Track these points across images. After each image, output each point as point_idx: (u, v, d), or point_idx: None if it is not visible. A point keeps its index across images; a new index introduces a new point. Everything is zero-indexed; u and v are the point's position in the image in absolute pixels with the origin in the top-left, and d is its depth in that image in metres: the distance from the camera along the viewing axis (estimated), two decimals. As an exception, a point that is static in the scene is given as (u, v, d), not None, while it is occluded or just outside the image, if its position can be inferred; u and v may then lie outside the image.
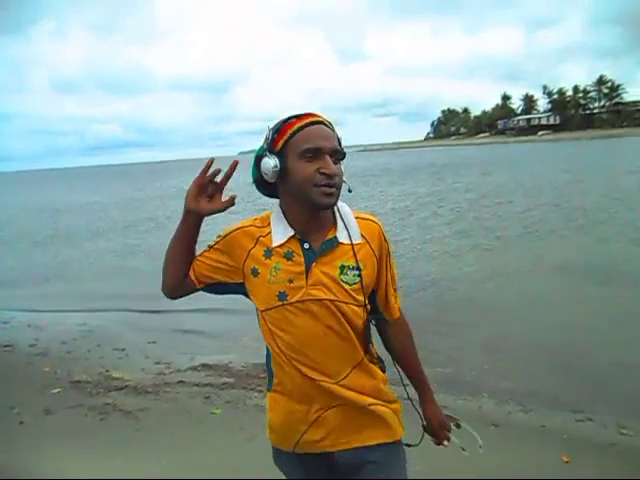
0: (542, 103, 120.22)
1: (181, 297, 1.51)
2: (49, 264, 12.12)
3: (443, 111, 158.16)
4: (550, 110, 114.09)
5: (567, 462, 3.03)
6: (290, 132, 1.33)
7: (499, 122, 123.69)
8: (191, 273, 1.44)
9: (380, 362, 1.48)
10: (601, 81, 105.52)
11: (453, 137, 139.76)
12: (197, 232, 1.42)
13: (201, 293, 1.48)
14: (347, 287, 1.35)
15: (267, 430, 1.49)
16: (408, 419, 1.53)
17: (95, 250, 13.74)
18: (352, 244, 1.37)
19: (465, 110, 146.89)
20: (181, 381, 4.60)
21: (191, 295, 1.49)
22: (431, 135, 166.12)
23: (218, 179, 1.36)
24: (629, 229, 10.62)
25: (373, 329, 1.48)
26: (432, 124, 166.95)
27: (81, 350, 5.63)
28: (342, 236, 1.37)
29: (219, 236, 1.44)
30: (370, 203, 18.52)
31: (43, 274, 10.93)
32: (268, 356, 1.45)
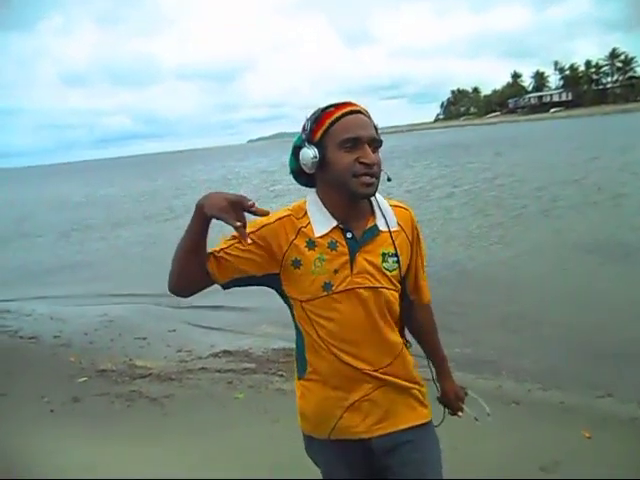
0: (554, 80, 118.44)
1: (192, 294, 1.44)
2: (73, 257, 12.26)
3: (453, 91, 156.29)
4: (562, 87, 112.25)
5: (589, 437, 3.05)
6: (329, 122, 1.33)
7: (510, 101, 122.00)
8: (212, 268, 1.35)
9: (409, 345, 1.52)
10: (614, 55, 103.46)
11: (463, 117, 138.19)
12: (208, 229, 1.32)
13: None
14: (389, 274, 1.39)
15: (299, 418, 1.51)
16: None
17: (118, 241, 13.89)
18: (390, 231, 1.40)
19: (475, 89, 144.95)
20: (203, 368, 4.68)
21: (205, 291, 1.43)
22: (441, 116, 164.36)
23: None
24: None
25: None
26: (442, 105, 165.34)
27: (104, 340, 5.74)
28: (381, 224, 1.40)
29: (251, 227, 1.34)
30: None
31: (69, 265, 11.10)
32: (301, 344, 1.45)
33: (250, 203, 1.22)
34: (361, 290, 1.35)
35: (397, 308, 1.43)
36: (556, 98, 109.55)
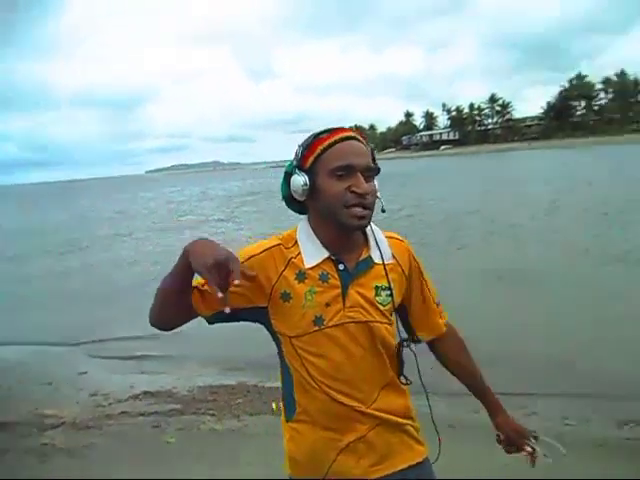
0: (442, 119, 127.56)
1: (174, 328, 1.36)
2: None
3: (350, 127, 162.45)
4: (450, 126, 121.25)
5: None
6: (321, 148, 1.27)
7: (404, 138, 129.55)
8: (197, 302, 1.28)
9: (407, 380, 1.43)
10: (493, 99, 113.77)
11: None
12: (193, 273, 1.17)
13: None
14: (382, 308, 1.32)
15: (287, 464, 1.40)
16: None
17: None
18: (384, 264, 1.33)
19: (371, 127, 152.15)
20: (124, 412, 4.31)
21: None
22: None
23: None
24: (537, 233, 11.48)
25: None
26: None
27: (1, 389, 5.12)
28: (375, 256, 1.34)
29: (244, 255, 1.29)
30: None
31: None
32: (289, 384, 1.36)
33: (237, 267, 1.08)
34: (353, 325, 1.29)
35: (392, 342, 1.36)
36: (445, 136, 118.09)
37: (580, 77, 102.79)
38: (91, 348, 6.58)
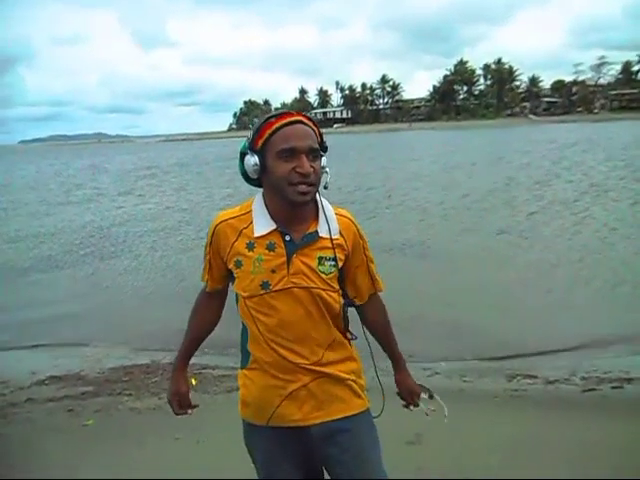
0: (336, 98, 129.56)
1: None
2: None
3: (245, 102, 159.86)
4: (343, 105, 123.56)
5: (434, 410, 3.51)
6: (269, 132, 1.41)
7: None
8: (212, 285, 1.60)
9: (352, 336, 1.60)
10: (384, 80, 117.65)
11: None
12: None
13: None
14: (324, 276, 1.46)
15: (239, 406, 1.57)
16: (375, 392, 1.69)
17: None
18: (331, 238, 1.47)
19: (266, 102, 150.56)
20: (30, 399, 4.08)
21: None
22: (234, 126, 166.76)
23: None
24: (431, 209, 12.27)
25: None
26: (234, 115, 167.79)
27: None
28: (322, 230, 1.48)
29: (209, 232, 1.53)
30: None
31: None
32: (244, 337, 1.53)
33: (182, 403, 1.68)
34: (296, 289, 1.44)
35: (336, 307, 1.51)
36: (338, 115, 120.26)
37: (462, 63, 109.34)
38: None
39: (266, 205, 1.48)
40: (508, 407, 3.64)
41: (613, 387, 3.94)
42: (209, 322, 1.69)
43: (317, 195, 1.49)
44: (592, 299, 6.14)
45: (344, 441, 1.51)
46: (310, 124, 1.44)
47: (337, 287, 1.52)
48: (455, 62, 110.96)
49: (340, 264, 1.50)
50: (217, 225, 1.50)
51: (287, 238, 1.44)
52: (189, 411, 1.69)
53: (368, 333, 1.69)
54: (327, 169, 1.49)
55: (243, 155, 1.47)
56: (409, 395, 1.74)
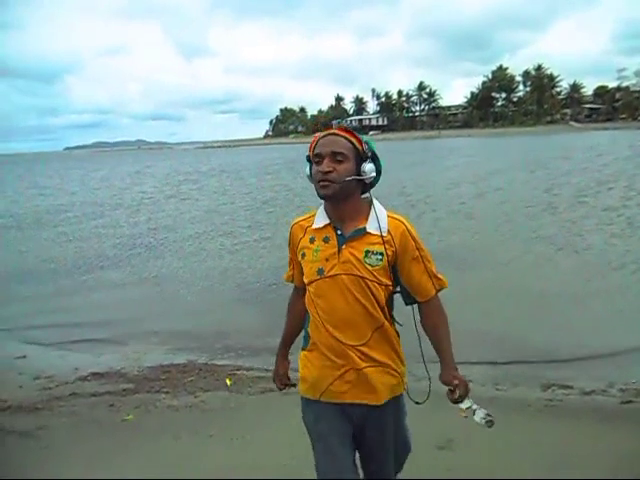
0: (372, 105, 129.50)
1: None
2: None
3: (281, 110, 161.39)
4: (378, 112, 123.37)
5: (465, 416, 3.50)
6: (313, 145, 1.74)
7: (333, 122, 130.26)
8: (299, 282, 1.89)
9: (397, 323, 1.81)
10: (421, 87, 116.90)
11: (292, 135, 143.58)
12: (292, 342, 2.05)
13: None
14: (369, 267, 1.68)
15: (299, 383, 1.85)
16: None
17: None
18: (381, 235, 1.69)
19: (302, 109, 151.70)
20: (74, 393, 4.27)
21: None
22: (270, 133, 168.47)
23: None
24: (470, 215, 12.15)
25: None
26: (271, 122, 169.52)
27: None
28: (371, 227, 1.70)
29: (288, 235, 1.87)
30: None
31: None
32: (307, 321, 1.82)
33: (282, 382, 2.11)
34: (345, 276, 1.68)
35: (381, 298, 1.71)
36: (374, 122, 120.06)
37: (501, 69, 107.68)
38: (25, 334, 6.32)
39: (324, 205, 1.78)
40: (542, 417, 3.59)
41: (653, 400, 3.84)
42: (300, 316, 1.92)
43: (372, 198, 1.75)
44: (632, 306, 5.98)
45: (377, 419, 1.78)
46: (343, 134, 1.71)
47: (384, 281, 1.71)
48: (493, 69, 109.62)
49: (388, 259, 1.69)
50: (292, 227, 1.85)
51: (338, 232, 1.71)
52: (288, 388, 2.09)
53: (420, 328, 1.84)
54: (371, 173, 1.71)
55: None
56: (460, 385, 1.78)
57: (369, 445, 1.83)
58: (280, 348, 2.07)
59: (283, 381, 2.08)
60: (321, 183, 1.67)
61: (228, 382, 4.33)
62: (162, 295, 7.68)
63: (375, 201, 1.75)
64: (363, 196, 1.77)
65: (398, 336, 1.81)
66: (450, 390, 1.80)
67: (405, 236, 1.71)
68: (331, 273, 1.69)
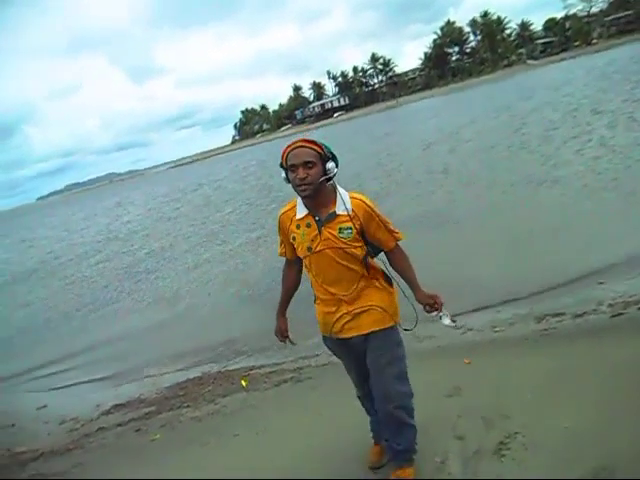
0: (330, 87, 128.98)
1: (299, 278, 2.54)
2: None
3: (242, 112, 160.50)
4: (338, 93, 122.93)
5: (469, 363, 3.70)
6: (285, 156, 2.21)
7: (296, 112, 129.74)
8: (289, 256, 2.43)
9: (385, 276, 2.38)
10: (374, 58, 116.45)
11: (259, 135, 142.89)
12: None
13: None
14: (344, 239, 2.22)
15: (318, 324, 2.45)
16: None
17: None
18: (347, 214, 2.20)
19: (263, 107, 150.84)
20: (100, 428, 4.43)
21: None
22: (237, 137, 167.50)
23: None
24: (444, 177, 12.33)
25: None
26: (235, 126, 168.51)
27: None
28: (340, 210, 2.22)
29: (277, 222, 2.37)
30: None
31: None
32: (311, 283, 2.38)
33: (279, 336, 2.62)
34: (327, 250, 2.23)
35: (358, 255, 2.24)
36: (336, 103, 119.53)
37: (449, 24, 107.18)
38: (41, 384, 6.45)
39: (302, 200, 2.26)
40: (539, 346, 3.79)
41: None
42: (294, 282, 2.53)
43: (335, 185, 2.24)
44: (603, 225, 6.22)
45: (373, 342, 2.32)
46: (309, 145, 2.17)
47: (358, 245, 2.23)
48: (441, 25, 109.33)
49: (356, 230, 2.20)
50: (280, 217, 2.35)
51: (316, 218, 2.23)
52: (288, 341, 2.61)
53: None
54: (333, 169, 2.20)
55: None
56: (429, 300, 2.34)
57: (372, 361, 2.33)
58: (279, 309, 2.58)
59: (284, 334, 2.58)
60: (301, 187, 2.16)
61: (243, 383, 4.50)
62: (167, 316, 7.80)
63: (338, 187, 2.24)
64: (328, 184, 2.23)
65: (391, 285, 2.37)
66: (425, 308, 2.36)
67: (366, 211, 2.22)
68: (317, 249, 2.23)
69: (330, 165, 2.18)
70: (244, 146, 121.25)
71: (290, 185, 2.23)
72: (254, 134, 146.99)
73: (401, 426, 2.36)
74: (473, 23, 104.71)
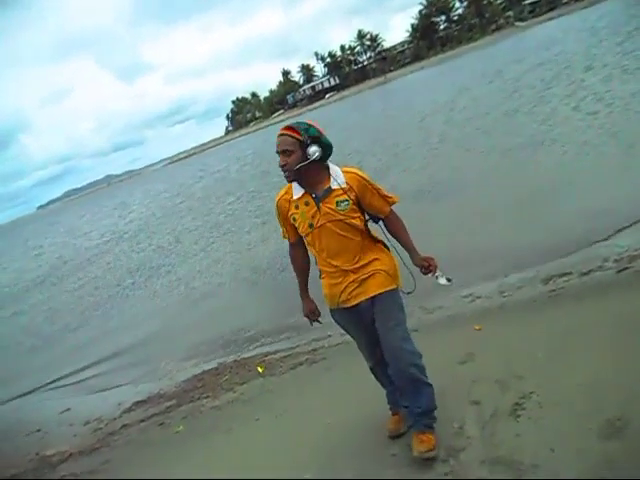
0: (319, 69, 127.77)
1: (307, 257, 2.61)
2: None
3: (233, 101, 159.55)
4: (328, 73, 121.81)
5: (479, 329, 3.74)
6: None
7: (288, 97, 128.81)
8: (292, 238, 2.52)
9: (384, 244, 2.49)
10: (360, 35, 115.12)
11: (252, 123, 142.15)
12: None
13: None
14: (342, 211, 2.33)
15: (324, 299, 2.54)
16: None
17: None
18: (341, 187, 2.32)
19: (254, 95, 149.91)
20: (124, 425, 4.52)
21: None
22: (230, 128, 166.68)
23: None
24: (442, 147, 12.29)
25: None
26: (227, 117, 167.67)
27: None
28: (334, 184, 2.33)
29: (275, 208, 2.48)
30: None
31: None
32: (315, 259, 2.49)
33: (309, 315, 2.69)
34: (328, 223, 2.33)
35: (358, 224, 2.36)
36: (326, 84, 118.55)
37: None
38: (62, 390, 6.54)
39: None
40: (548, 307, 3.83)
41: (646, 260, 4.07)
42: (303, 263, 2.60)
43: (329, 164, 2.37)
44: (604, 181, 6.21)
45: (378, 303, 2.42)
46: (287, 133, 2.28)
47: (356, 215, 2.36)
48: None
49: (352, 201, 2.32)
50: (277, 202, 2.45)
51: (313, 195, 2.34)
52: (320, 319, 2.67)
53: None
54: (314, 153, 2.27)
55: None
56: (424, 263, 2.44)
57: (380, 324, 2.42)
58: (301, 292, 2.67)
59: (316, 314, 2.66)
60: (284, 174, 2.34)
61: (260, 369, 4.56)
62: (179, 310, 7.88)
63: (330, 164, 2.37)
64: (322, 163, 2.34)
65: (388, 249, 2.50)
66: (422, 270, 2.45)
67: (359, 181, 2.34)
68: (319, 224, 2.34)
69: (312, 150, 2.26)
70: (238, 136, 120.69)
71: None
72: (247, 123, 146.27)
73: (418, 385, 2.39)
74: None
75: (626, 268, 4.08)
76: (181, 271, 10.19)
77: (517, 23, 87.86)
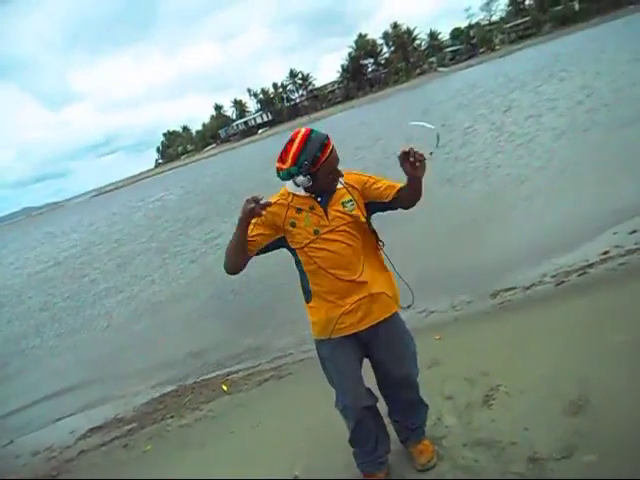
0: (252, 104, 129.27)
1: (241, 271, 2.20)
2: None
3: (164, 134, 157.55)
4: (260, 109, 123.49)
5: (439, 339, 4.01)
6: None
7: (220, 131, 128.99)
8: (254, 252, 2.17)
9: (382, 243, 2.32)
10: (292, 74, 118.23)
11: (184, 156, 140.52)
12: (247, 230, 2.08)
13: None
14: (349, 212, 2.19)
15: (311, 329, 2.27)
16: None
17: None
18: (346, 187, 2.22)
19: (185, 128, 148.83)
20: (82, 451, 4.36)
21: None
22: (160, 161, 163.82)
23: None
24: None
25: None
26: (158, 150, 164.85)
27: None
28: (338, 185, 2.21)
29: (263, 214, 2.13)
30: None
31: None
32: (305, 279, 2.23)
33: (259, 199, 1.99)
34: (337, 228, 2.15)
35: (362, 231, 2.21)
36: (259, 120, 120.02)
37: (362, 37, 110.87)
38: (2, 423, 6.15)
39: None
40: (499, 316, 4.18)
41: (579, 275, 4.55)
42: (240, 267, 2.22)
43: None
44: (536, 212, 6.83)
45: (383, 332, 2.25)
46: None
47: (363, 211, 2.22)
48: (355, 38, 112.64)
49: (360, 199, 2.22)
50: (274, 203, 2.14)
51: (319, 199, 2.16)
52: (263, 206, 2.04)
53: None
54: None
55: None
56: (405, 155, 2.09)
57: (388, 351, 2.28)
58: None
59: (257, 197, 2.01)
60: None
61: (224, 387, 4.59)
62: (129, 336, 7.65)
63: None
64: None
65: (389, 264, 2.36)
66: (416, 164, 2.07)
67: (360, 179, 2.27)
68: (326, 230, 2.14)
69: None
70: (169, 169, 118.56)
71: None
72: (178, 156, 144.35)
73: (419, 407, 2.46)
74: (385, 35, 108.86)
75: (563, 282, 4.53)
76: (126, 298, 9.91)
77: (440, 68, 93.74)
